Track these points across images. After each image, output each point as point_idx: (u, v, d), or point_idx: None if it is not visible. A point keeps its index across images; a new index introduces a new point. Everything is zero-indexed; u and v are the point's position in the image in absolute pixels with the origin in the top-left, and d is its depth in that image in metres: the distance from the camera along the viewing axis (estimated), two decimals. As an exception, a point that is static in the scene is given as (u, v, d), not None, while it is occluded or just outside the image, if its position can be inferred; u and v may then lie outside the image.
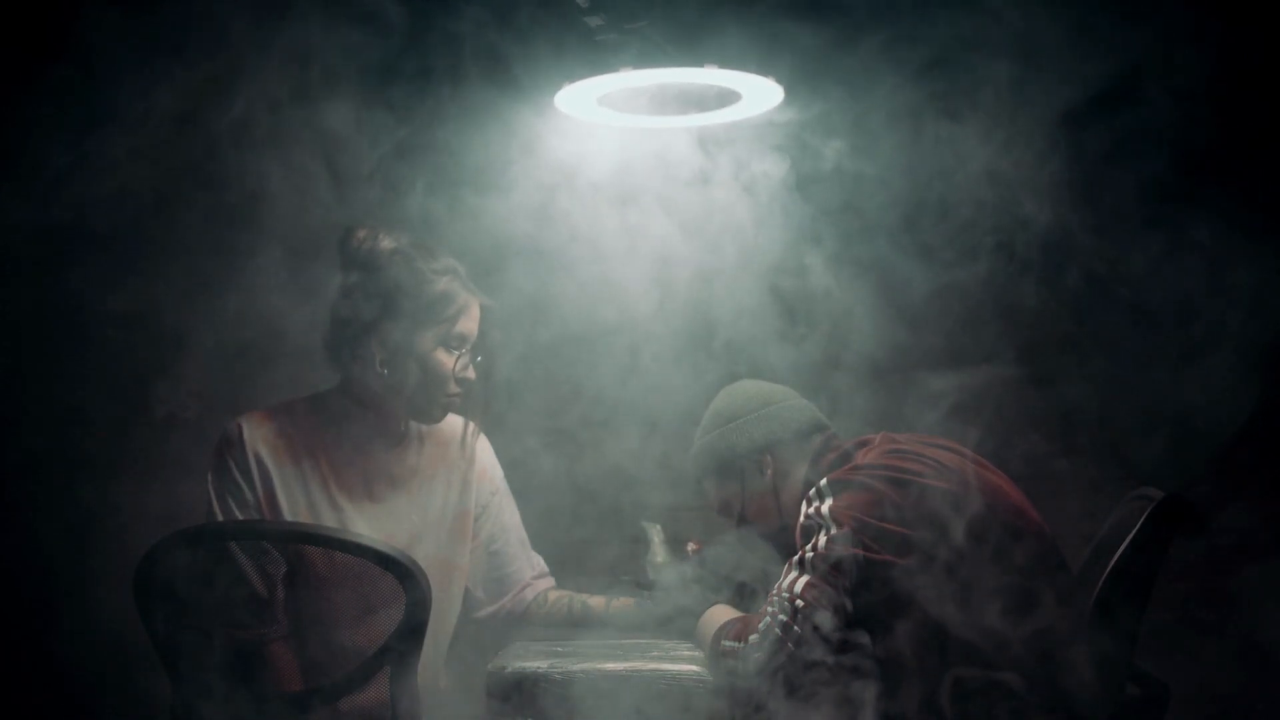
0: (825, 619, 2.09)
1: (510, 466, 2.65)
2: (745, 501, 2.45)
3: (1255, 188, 2.83)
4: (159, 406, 2.83)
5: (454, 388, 2.42)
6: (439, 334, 2.40)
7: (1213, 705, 2.79)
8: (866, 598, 2.10)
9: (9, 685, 3.04)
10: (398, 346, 2.38)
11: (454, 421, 2.53)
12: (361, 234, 2.41)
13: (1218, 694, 2.81)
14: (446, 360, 2.40)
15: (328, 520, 2.38)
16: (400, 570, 2.11)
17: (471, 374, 2.43)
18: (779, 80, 2.52)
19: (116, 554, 2.33)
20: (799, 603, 2.10)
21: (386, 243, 2.40)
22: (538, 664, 2.22)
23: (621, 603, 2.57)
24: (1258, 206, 2.76)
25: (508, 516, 2.61)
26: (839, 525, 2.12)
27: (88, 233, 2.77)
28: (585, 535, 3.00)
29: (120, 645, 2.60)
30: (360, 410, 2.43)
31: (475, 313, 2.43)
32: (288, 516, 2.35)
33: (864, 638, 2.10)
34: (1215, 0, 2.76)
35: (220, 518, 2.34)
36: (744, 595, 2.45)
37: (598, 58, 2.47)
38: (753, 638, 2.13)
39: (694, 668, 2.22)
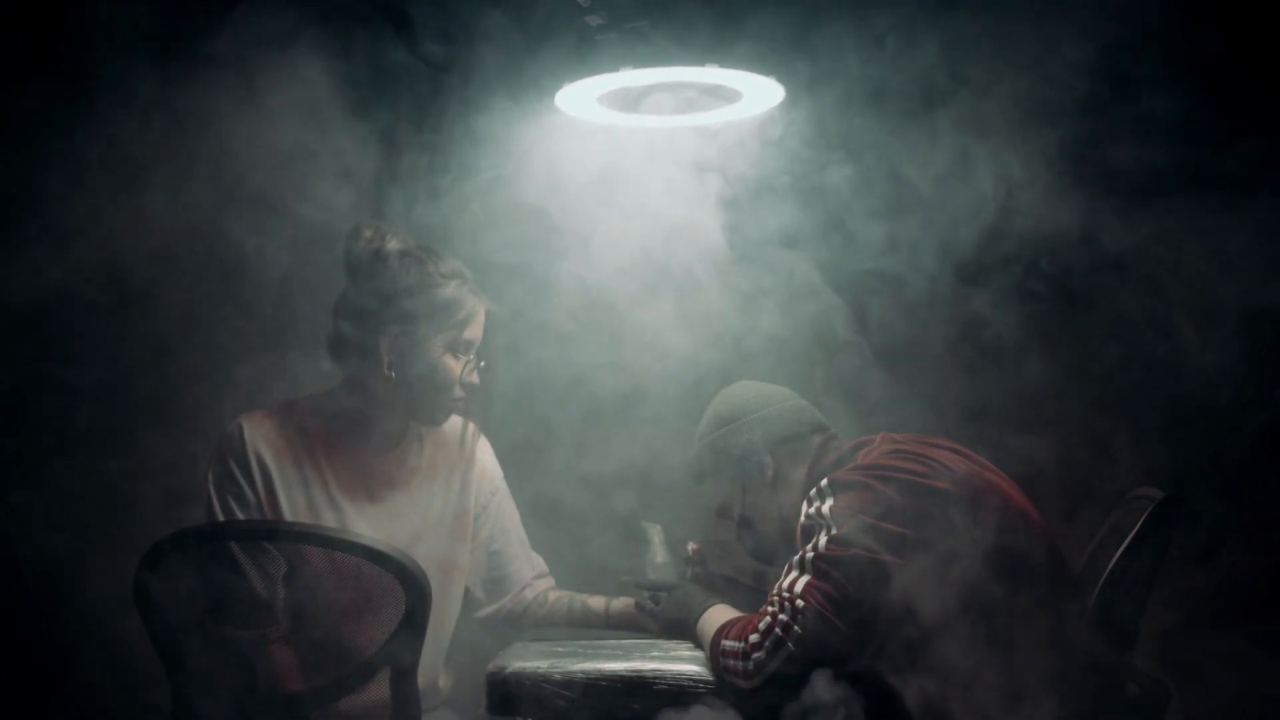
0: (825, 619, 2.09)
1: (508, 464, 2.65)
2: (745, 502, 2.45)
3: (1255, 188, 2.82)
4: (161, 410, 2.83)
5: (459, 392, 2.42)
6: (448, 339, 2.39)
7: (1213, 705, 2.79)
8: (866, 598, 2.10)
9: (9, 686, 3.04)
10: (406, 350, 2.38)
11: (454, 422, 2.53)
12: (368, 234, 2.40)
13: (1218, 694, 2.80)
14: (453, 365, 2.40)
15: (327, 520, 2.38)
16: (400, 570, 2.11)
17: (475, 378, 2.43)
18: (779, 80, 2.52)
19: (117, 553, 2.33)
20: (799, 603, 2.10)
21: (394, 244, 2.39)
22: (538, 664, 2.22)
23: (621, 603, 2.57)
24: (1260, 206, 2.76)
25: (507, 516, 2.61)
26: (840, 525, 2.12)
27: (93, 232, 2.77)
28: (585, 536, 2.99)
29: (120, 645, 2.60)
30: (362, 410, 2.43)
31: (482, 318, 2.43)
32: (287, 516, 2.35)
33: (864, 638, 2.10)
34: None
35: (220, 517, 2.34)
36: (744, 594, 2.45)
37: (598, 57, 2.47)
38: (753, 638, 2.13)
39: (694, 668, 2.22)
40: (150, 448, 2.94)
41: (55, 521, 3.02)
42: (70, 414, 3.03)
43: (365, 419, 2.43)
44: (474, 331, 2.42)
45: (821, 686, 2.08)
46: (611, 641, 2.42)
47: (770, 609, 2.14)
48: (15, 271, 2.60)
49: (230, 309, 2.79)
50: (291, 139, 2.50)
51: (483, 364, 2.44)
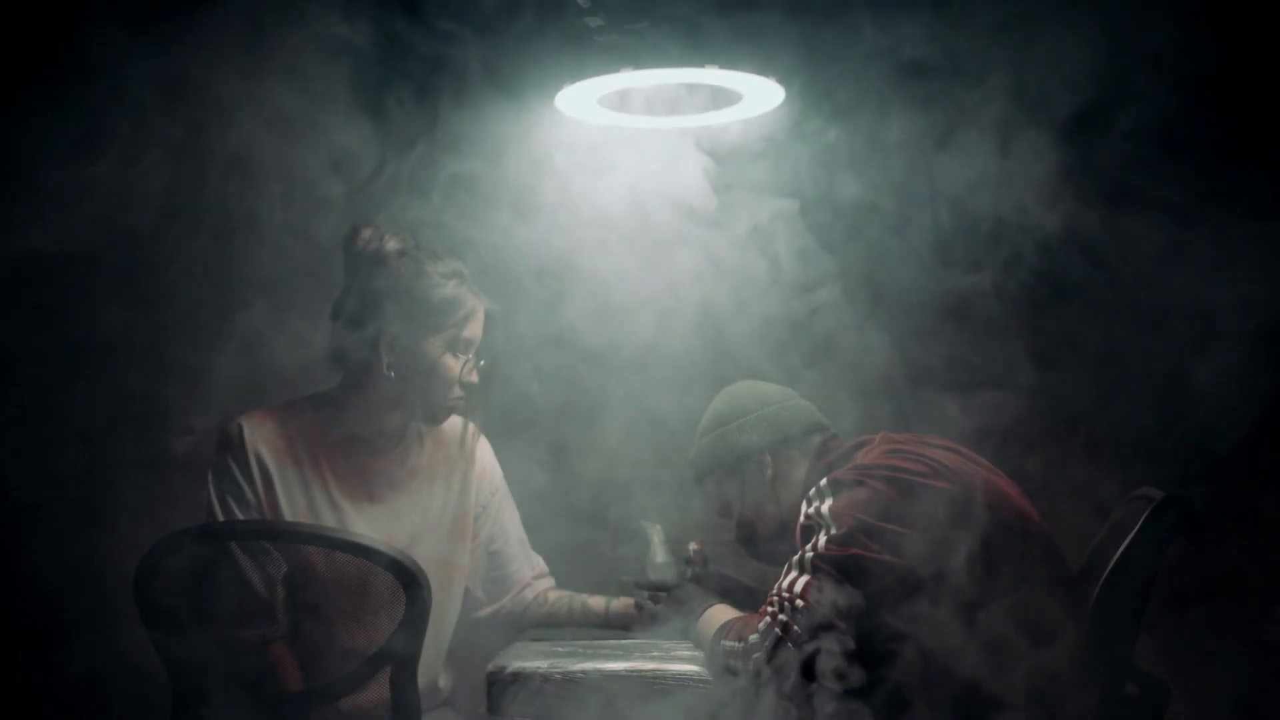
0: (825, 619, 2.09)
1: (509, 467, 2.65)
2: (745, 502, 2.45)
3: (1256, 186, 2.83)
4: (162, 422, 2.83)
5: (458, 391, 2.42)
6: (447, 339, 2.39)
7: (1213, 705, 2.78)
8: (866, 598, 2.10)
9: (10, 684, 3.04)
10: (405, 350, 2.38)
11: (454, 422, 2.54)
12: (367, 233, 2.40)
13: (1218, 694, 2.80)
14: (453, 364, 2.40)
15: (327, 520, 2.38)
16: (400, 570, 2.11)
17: (475, 378, 2.43)
18: (779, 80, 2.53)
19: (117, 554, 2.33)
20: (799, 603, 2.10)
21: (393, 244, 2.39)
22: (538, 664, 2.22)
23: (621, 603, 2.57)
24: (1258, 205, 2.76)
25: (507, 517, 2.62)
26: (839, 525, 2.12)
27: (90, 239, 2.77)
28: (585, 536, 3.00)
29: (120, 645, 2.60)
30: (361, 410, 2.43)
31: (481, 317, 2.43)
32: (287, 516, 2.35)
33: (863, 638, 2.10)
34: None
35: (220, 518, 2.34)
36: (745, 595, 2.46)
37: (598, 58, 2.47)
38: (752, 638, 2.13)
39: (694, 668, 2.22)
40: (151, 450, 2.94)
41: (55, 522, 3.03)
42: (70, 414, 3.04)
43: (365, 419, 2.43)
44: (473, 330, 2.42)
45: (819, 684, 2.08)
46: (611, 641, 2.42)
47: (770, 609, 2.14)
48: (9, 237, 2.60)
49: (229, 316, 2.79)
50: (291, 139, 2.50)
51: (482, 363, 2.44)
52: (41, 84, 2.78)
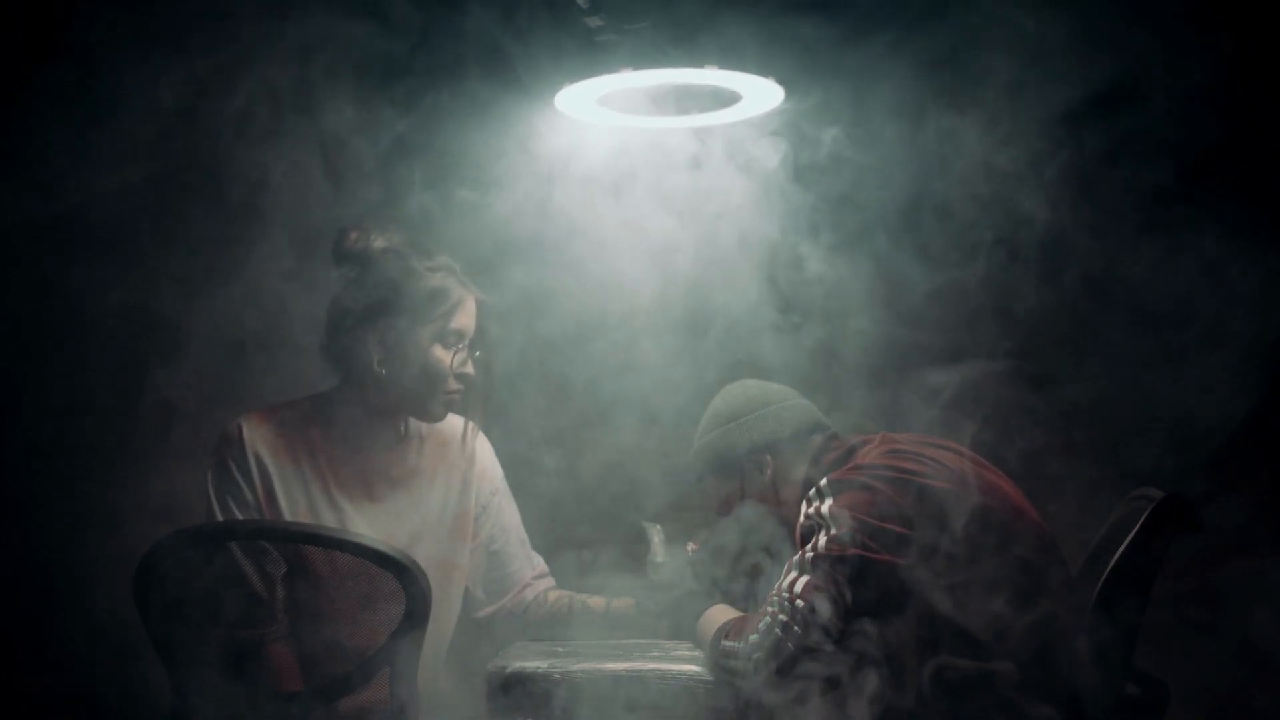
0: (825, 619, 2.09)
1: (510, 465, 2.65)
2: (745, 502, 2.45)
3: (1255, 187, 2.83)
4: (158, 401, 2.82)
5: (453, 384, 2.42)
6: (435, 330, 2.40)
7: (1212, 705, 2.79)
8: (866, 598, 2.10)
9: (9, 684, 3.04)
10: (394, 344, 2.38)
11: (454, 421, 2.54)
12: (355, 234, 2.41)
13: (1217, 694, 2.80)
14: (444, 357, 2.40)
15: (327, 520, 2.38)
16: (400, 570, 2.11)
17: (470, 369, 2.43)
18: (779, 80, 2.53)
19: (117, 552, 2.33)
20: (799, 603, 2.10)
21: (379, 241, 2.40)
22: (538, 664, 2.22)
23: (621, 603, 2.57)
24: (1258, 206, 2.76)
25: (507, 516, 2.61)
26: (839, 525, 2.12)
27: (88, 226, 2.77)
28: (585, 535, 2.99)
29: (120, 645, 2.60)
30: (360, 410, 2.43)
31: (471, 308, 2.43)
32: (287, 516, 2.35)
33: (864, 638, 2.10)
34: (1216, 1, 2.77)
35: (220, 517, 2.34)
36: (754, 578, 2.45)
37: (598, 58, 2.48)
38: (753, 638, 2.13)
39: (694, 668, 2.22)
40: (150, 443, 2.94)
41: (54, 519, 3.02)
42: (69, 408, 3.04)
43: (363, 418, 2.43)
44: (461, 321, 2.42)
45: (820, 685, 2.08)
46: (611, 641, 2.42)
47: (770, 609, 2.14)
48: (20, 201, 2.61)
49: (229, 306, 2.79)
50: (291, 139, 2.51)
51: (477, 354, 2.44)
52: (36, 59, 2.78)
